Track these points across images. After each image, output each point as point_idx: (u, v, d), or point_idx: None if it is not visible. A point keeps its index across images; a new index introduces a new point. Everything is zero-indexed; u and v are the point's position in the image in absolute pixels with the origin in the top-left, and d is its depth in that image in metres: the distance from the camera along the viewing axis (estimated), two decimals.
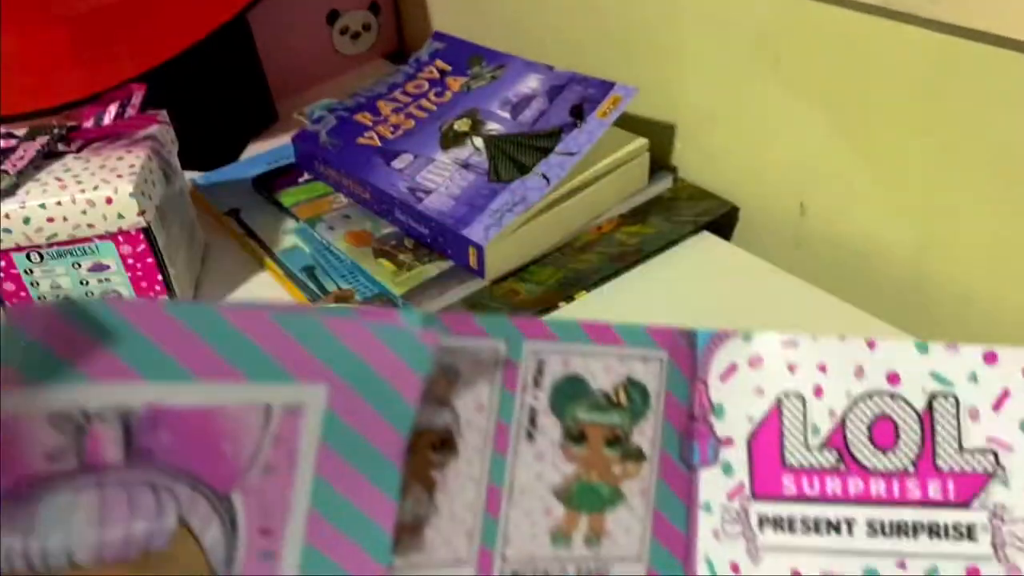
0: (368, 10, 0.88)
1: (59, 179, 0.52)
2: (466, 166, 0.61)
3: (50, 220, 0.51)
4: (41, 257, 0.53)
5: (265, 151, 0.75)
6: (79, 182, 0.52)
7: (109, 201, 0.51)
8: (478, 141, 0.62)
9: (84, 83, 0.70)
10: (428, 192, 0.60)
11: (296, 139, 0.69)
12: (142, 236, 0.53)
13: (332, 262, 0.60)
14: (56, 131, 0.55)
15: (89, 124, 0.56)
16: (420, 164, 0.62)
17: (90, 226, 0.52)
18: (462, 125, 0.64)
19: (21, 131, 0.56)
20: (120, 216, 0.52)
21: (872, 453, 0.37)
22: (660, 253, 0.59)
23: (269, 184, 0.69)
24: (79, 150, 0.55)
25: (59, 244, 0.53)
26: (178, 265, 0.57)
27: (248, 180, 0.70)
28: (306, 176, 0.69)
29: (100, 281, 0.55)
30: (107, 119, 0.56)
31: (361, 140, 0.66)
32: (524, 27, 0.76)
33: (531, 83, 0.65)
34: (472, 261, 0.56)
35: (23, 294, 0.55)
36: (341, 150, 0.66)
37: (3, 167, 0.52)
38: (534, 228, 0.58)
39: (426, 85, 0.70)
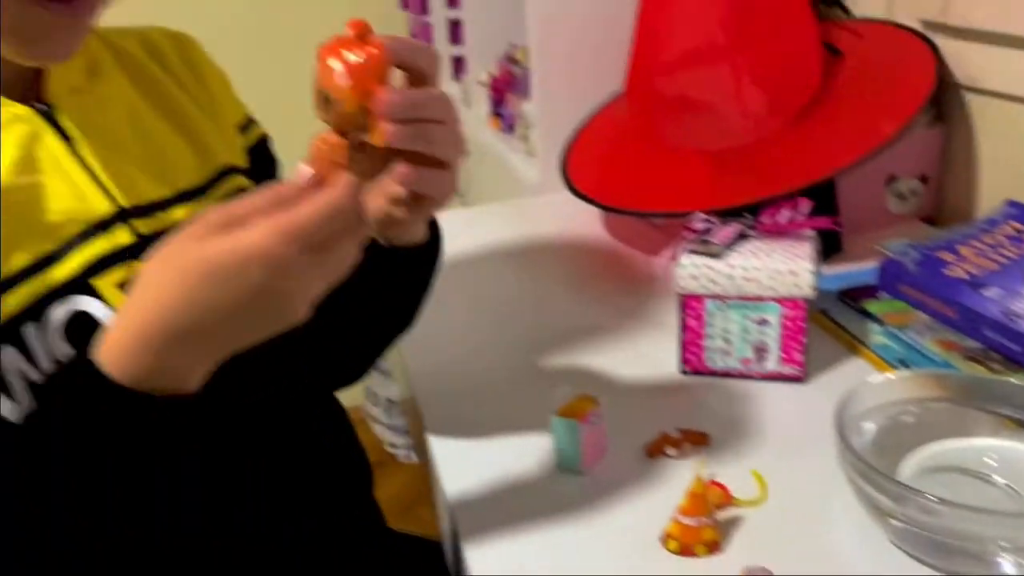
0: (918, 179, 1.04)
1: (753, 252, 0.73)
2: None
3: (745, 279, 0.72)
4: (725, 305, 0.73)
5: (832, 273, 0.92)
6: (768, 256, 0.72)
7: (792, 273, 0.70)
8: None
9: (718, 197, 0.93)
10: (1021, 317, 0.72)
11: (883, 265, 0.86)
12: (803, 304, 0.71)
13: (922, 360, 0.74)
14: (747, 221, 0.76)
15: (768, 220, 0.76)
16: (1010, 296, 0.75)
17: (770, 288, 0.71)
18: None
19: (714, 219, 0.78)
20: (796, 286, 0.71)
21: None
22: None
23: (853, 296, 0.85)
24: (762, 237, 0.76)
25: (741, 298, 0.73)
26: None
27: (828, 290, 0.87)
28: (885, 295, 0.85)
29: (759, 332, 0.74)
30: (782, 219, 0.76)
31: (947, 272, 0.80)
32: None
33: None
34: None
35: (700, 331, 0.75)
36: (927, 277, 0.81)
37: (714, 240, 0.74)
38: None
39: (1004, 239, 0.83)
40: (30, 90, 0.56)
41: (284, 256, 0.43)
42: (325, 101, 0.48)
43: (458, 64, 1.77)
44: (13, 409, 0.50)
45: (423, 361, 0.86)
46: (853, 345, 0.80)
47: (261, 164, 0.71)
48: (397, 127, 0.49)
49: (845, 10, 1.12)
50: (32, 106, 0.55)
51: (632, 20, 1.07)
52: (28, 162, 0.53)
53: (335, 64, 0.47)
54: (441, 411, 0.77)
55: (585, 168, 1.11)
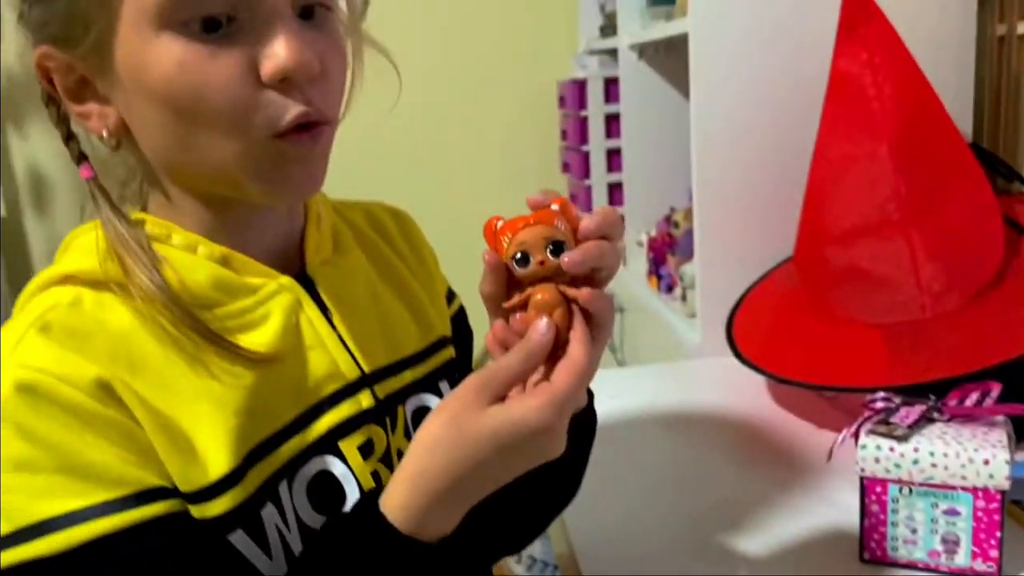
0: None
1: (940, 437, 0.69)
2: None
3: (932, 465, 0.68)
4: (910, 491, 0.70)
5: (1021, 460, 0.86)
6: (959, 442, 0.68)
7: (986, 462, 0.66)
8: None
9: (895, 374, 0.90)
10: None
11: None
12: (999, 497, 0.67)
13: None
14: (932, 403, 0.73)
15: (954, 403, 0.73)
16: None
17: (963, 477, 0.67)
18: None
19: (897, 398, 0.75)
20: (991, 476, 0.66)
21: None
22: None
23: None
24: (948, 420, 0.72)
25: (928, 485, 0.69)
26: None
27: (1020, 478, 0.81)
28: None
29: (947, 523, 0.69)
30: (969, 402, 0.73)
31: None
32: None
33: None
34: None
35: (883, 517, 0.71)
36: None
37: (898, 421, 0.71)
38: None
39: None
40: (290, 261, 0.61)
41: (560, 426, 0.49)
42: (524, 259, 0.51)
43: None
44: (268, 567, 0.53)
45: (585, 524, 0.85)
46: None
47: (460, 332, 0.75)
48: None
49: None
50: (295, 277, 0.59)
51: (800, 186, 1.08)
52: (292, 328, 0.58)
53: (553, 219, 0.51)
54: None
55: (751, 333, 1.10)
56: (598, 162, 1.80)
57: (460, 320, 0.76)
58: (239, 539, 0.52)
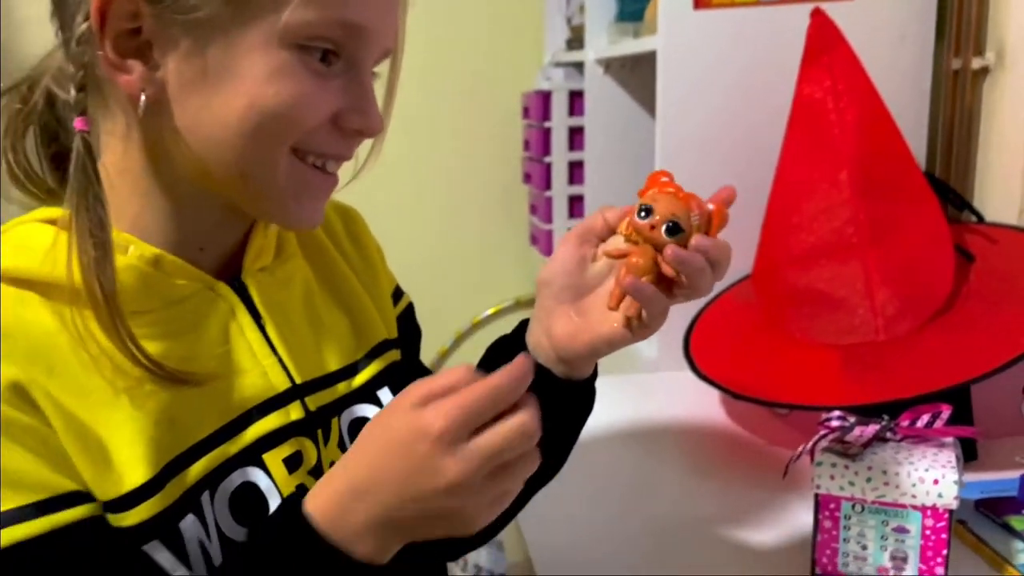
0: None
1: (893, 456, 0.71)
2: None
3: (885, 484, 0.70)
4: (862, 508, 0.72)
5: (969, 481, 0.88)
6: (910, 462, 0.70)
7: (936, 482, 0.69)
8: None
9: (849, 394, 0.92)
10: None
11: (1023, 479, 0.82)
12: (947, 516, 0.69)
13: None
14: (886, 423, 0.75)
15: (907, 424, 0.75)
16: None
17: (913, 496, 0.69)
18: None
19: (851, 417, 0.77)
20: (940, 496, 0.69)
21: None
22: None
23: (993, 507, 0.82)
24: (901, 440, 0.74)
25: (879, 503, 0.71)
26: None
27: (964, 499, 0.83)
28: None
29: (897, 540, 0.71)
30: (920, 423, 0.75)
31: None
32: None
33: None
34: None
35: (835, 533, 0.73)
36: None
37: (849, 439, 0.73)
38: None
39: None
40: (224, 268, 0.60)
41: (455, 437, 0.46)
42: (646, 213, 0.57)
43: None
44: None
45: (542, 534, 0.85)
46: (996, 561, 0.76)
47: (407, 332, 0.75)
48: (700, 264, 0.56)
49: (978, 215, 1.13)
50: (229, 283, 0.59)
51: (760, 206, 1.10)
52: (222, 336, 0.57)
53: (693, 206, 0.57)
54: None
55: (708, 349, 1.11)
56: (560, 174, 1.81)
57: (407, 319, 0.75)
58: (155, 549, 0.51)
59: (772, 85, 1.15)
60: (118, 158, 0.55)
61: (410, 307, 0.77)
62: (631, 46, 1.38)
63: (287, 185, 0.55)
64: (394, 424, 0.48)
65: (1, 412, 0.47)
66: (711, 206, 0.59)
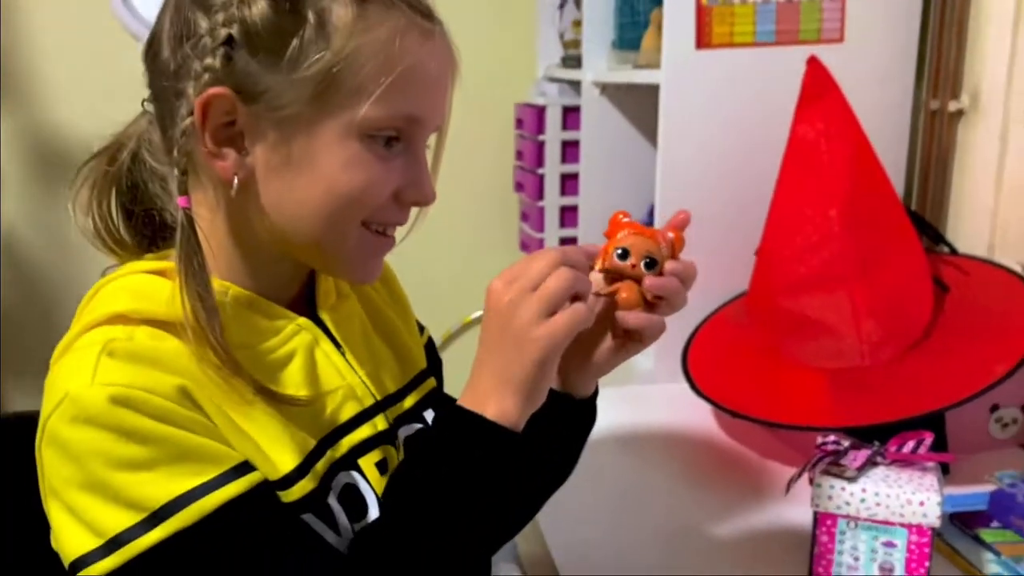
0: (1020, 408, 1.12)
1: (884, 479, 0.81)
2: None
3: (876, 504, 0.79)
4: (856, 525, 0.81)
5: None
6: (899, 485, 0.80)
7: (921, 504, 0.78)
8: None
9: (837, 415, 1.02)
10: None
11: (994, 495, 0.92)
12: (929, 533, 0.79)
13: None
14: (876, 448, 0.84)
15: (894, 449, 0.85)
16: None
17: (901, 515, 0.79)
18: None
19: (845, 441, 0.86)
20: (924, 515, 0.78)
21: None
22: None
23: (965, 521, 0.92)
24: (890, 464, 0.84)
25: (871, 520, 0.80)
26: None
27: None
28: (996, 523, 0.91)
29: (885, 554, 0.81)
30: (906, 449, 0.84)
31: None
32: None
33: None
34: None
35: (831, 546, 0.82)
36: None
37: (848, 463, 0.82)
38: None
39: None
40: (300, 305, 0.70)
41: (518, 308, 0.60)
42: (623, 256, 0.66)
43: (568, 244, 1.91)
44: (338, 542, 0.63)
45: (559, 530, 0.94)
46: (969, 570, 0.86)
47: (432, 360, 0.84)
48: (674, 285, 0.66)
49: (951, 247, 1.23)
50: (309, 317, 0.68)
51: (754, 230, 1.19)
52: (311, 361, 0.67)
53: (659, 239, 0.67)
54: None
55: (705, 365, 1.21)
56: (552, 185, 1.89)
57: (430, 349, 0.85)
58: (311, 520, 0.61)
59: (767, 121, 1.24)
60: (207, 224, 0.64)
61: (431, 339, 0.86)
62: (633, 76, 1.46)
63: (355, 251, 0.65)
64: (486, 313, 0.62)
65: (176, 411, 0.56)
66: (671, 234, 0.68)
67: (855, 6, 1.26)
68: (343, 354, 0.69)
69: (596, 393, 0.77)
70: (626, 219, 0.68)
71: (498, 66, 2.12)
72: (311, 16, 0.58)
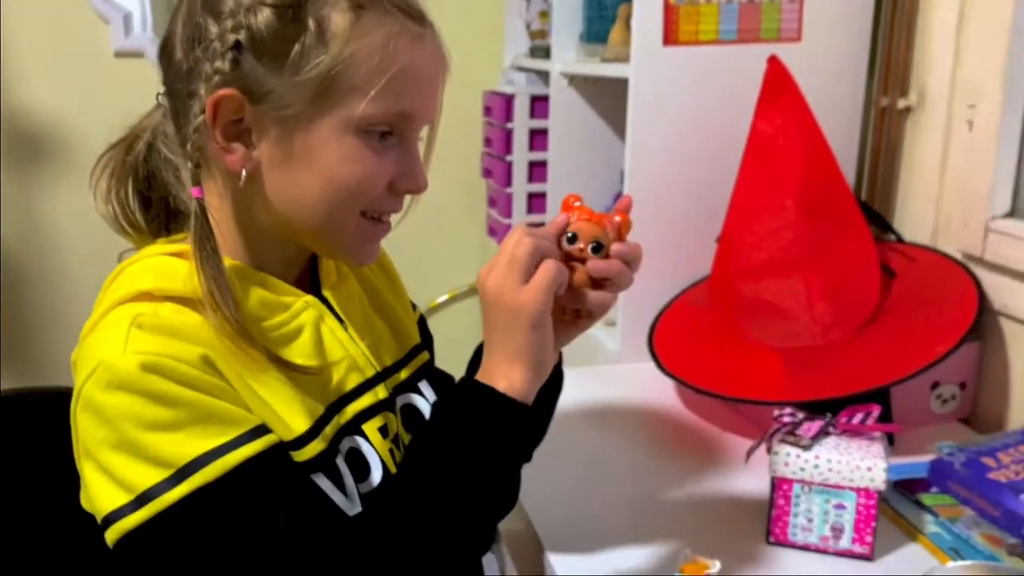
0: (958, 386, 1.21)
1: (835, 448, 0.89)
2: None
3: (829, 470, 0.87)
4: (810, 489, 0.89)
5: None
6: (848, 452, 0.88)
7: (869, 469, 0.86)
8: None
9: (792, 391, 1.10)
10: None
11: (934, 463, 1.01)
12: (876, 496, 0.87)
13: (971, 551, 0.89)
14: (828, 420, 0.92)
15: (845, 420, 0.93)
16: None
17: (850, 480, 0.87)
18: None
19: (799, 414, 0.94)
20: (871, 480, 0.86)
21: None
22: None
23: (908, 487, 1.01)
24: (840, 434, 0.92)
25: (823, 485, 0.88)
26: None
27: None
28: (935, 489, 1.00)
29: (836, 515, 0.89)
30: (855, 420, 0.92)
31: (991, 475, 0.96)
32: None
33: None
34: None
35: (787, 509, 0.90)
36: (974, 478, 0.96)
37: (800, 432, 0.90)
38: None
39: None
40: (305, 284, 0.76)
41: (503, 281, 0.67)
42: (572, 240, 0.72)
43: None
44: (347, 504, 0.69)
45: (547, 514, 1.01)
46: (911, 532, 0.94)
47: (425, 336, 0.90)
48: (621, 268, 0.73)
49: (897, 235, 1.32)
50: (314, 295, 0.74)
51: (715, 218, 1.26)
52: (318, 334, 0.73)
53: (606, 224, 0.72)
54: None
55: (669, 346, 1.28)
56: (520, 172, 1.95)
57: (423, 325, 0.91)
58: (319, 479, 0.67)
59: (730, 115, 1.31)
60: (218, 211, 0.70)
61: (423, 316, 0.92)
62: (602, 69, 1.52)
63: (354, 237, 0.71)
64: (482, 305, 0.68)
65: (201, 377, 0.62)
66: (618, 218, 0.74)
67: (812, 7, 1.34)
68: (346, 329, 0.75)
69: (561, 360, 0.84)
70: (577, 203, 0.74)
71: (466, 54, 2.16)
72: (311, 24, 0.63)
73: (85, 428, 0.61)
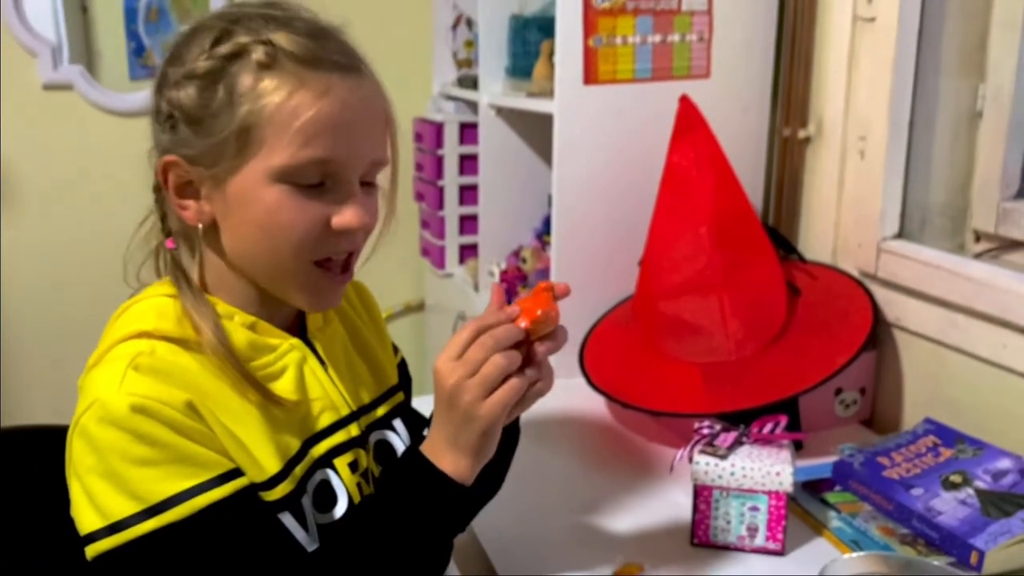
0: (859, 391, 1.33)
1: (748, 456, 0.99)
2: (963, 503, 1.00)
3: (743, 476, 0.98)
4: (727, 494, 0.99)
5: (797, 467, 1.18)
6: (760, 459, 0.98)
7: (778, 474, 0.97)
8: (970, 490, 1.02)
9: (710, 403, 1.20)
10: (939, 513, 0.99)
11: (837, 464, 1.13)
12: (785, 498, 0.97)
13: (869, 542, 1.00)
14: (742, 430, 1.03)
15: (756, 431, 1.03)
16: (929, 496, 1.02)
17: (762, 484, 0.97)
18: (956, 478, 1.04)
19: (717, 425, 1.04)
20: (780, 483, 0.97)
21: None
22: None
23: (814, 487, 1.12)
24: (753, 443, 1.02)
25: (739, 490, 0.99)
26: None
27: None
28: (838, 487, 1.12)
29: (751, 516, 0.99)
30: (765, 430, 1.03)
31: (885, 473, 1.08)
32: (993, 424, 1.16)
33: (1004, 463, 1.05)
34: (973, 560, 0.94)
35: (708, 512, 1.00)
36: (871, 476, 1.08)
37: (719, 444, 1.00)
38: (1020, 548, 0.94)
39: (924, 449, 1.12)
40: (293, 328, 0.83)
41: (456, 386, 0.70)
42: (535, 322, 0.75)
43: (467, 251, 2.06)
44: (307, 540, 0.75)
45: (489, 521, 1.08)
46: (817, 527, 1.06)
47: (403, 378, 0.97)
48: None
49: (800, 256, 1.45)
50: (300, 338, 0.81)
51: (637, 242, 1.37)
52: (300, 375, 0.80)
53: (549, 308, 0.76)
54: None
55: (597, 362, 1.37)
56: (452, 196, 2.03)
57: (403, 368, 0.97)
58: (285, 517, 0.74)
59: (647, 148, 1.41)
60: (209, 257, 0.77)
61: (403, 360, 0.99)
62: (528, 103, 1.61)
63: (308, 285, 0.77)
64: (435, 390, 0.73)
65: (184, 421, 0.68)
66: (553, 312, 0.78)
67: (720, 47, 1.45)
68: (326, 370, 0.82)
69: (518, 418, 0.89)
70: (545, 293, 0.78)
71: (396, 80, 2.23)
72: (222, 90, 0.71)
73: (78, 453, 0.68)
